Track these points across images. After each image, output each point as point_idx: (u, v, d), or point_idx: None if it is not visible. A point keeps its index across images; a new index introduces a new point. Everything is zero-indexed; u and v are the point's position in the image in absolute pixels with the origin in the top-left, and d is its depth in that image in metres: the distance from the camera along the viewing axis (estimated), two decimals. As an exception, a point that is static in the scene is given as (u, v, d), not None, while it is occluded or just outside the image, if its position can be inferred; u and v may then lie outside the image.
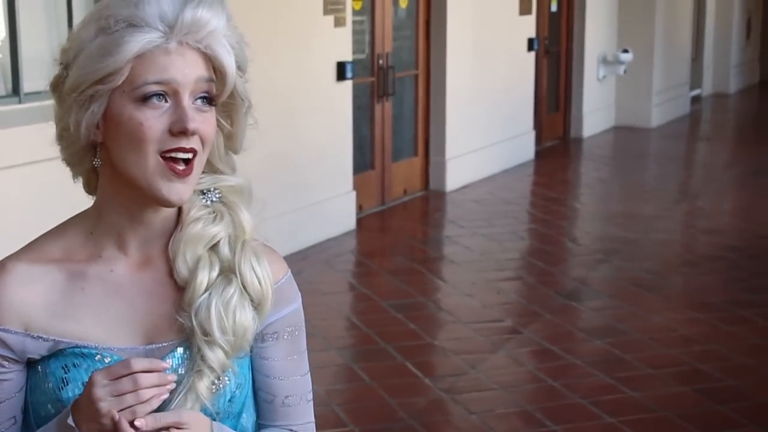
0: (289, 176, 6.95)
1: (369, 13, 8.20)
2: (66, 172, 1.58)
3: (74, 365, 1.49)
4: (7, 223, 4.66)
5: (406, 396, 4.62)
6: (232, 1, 1.68)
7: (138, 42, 1.42)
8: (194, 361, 1.50)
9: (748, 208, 8.96)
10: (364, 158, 8.22)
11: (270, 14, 6.64)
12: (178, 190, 1.46)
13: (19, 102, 5.02)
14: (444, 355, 5.19)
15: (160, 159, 1.45)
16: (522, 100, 10.62)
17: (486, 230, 7.75)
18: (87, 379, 1.46)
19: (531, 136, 10.92)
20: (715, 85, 17.24)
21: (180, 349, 1.52)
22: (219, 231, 1.54)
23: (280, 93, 6.72)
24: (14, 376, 1.52)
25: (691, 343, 5.32)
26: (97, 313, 1.52)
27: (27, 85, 5.04)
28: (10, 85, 5.07)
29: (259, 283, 1.54)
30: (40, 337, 1.50)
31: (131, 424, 1.40)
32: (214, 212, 1.55)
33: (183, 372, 1.50)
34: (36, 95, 4.90)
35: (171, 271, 1.53)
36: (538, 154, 11.06)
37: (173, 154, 1.45)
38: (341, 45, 7.45)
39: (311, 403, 1.69)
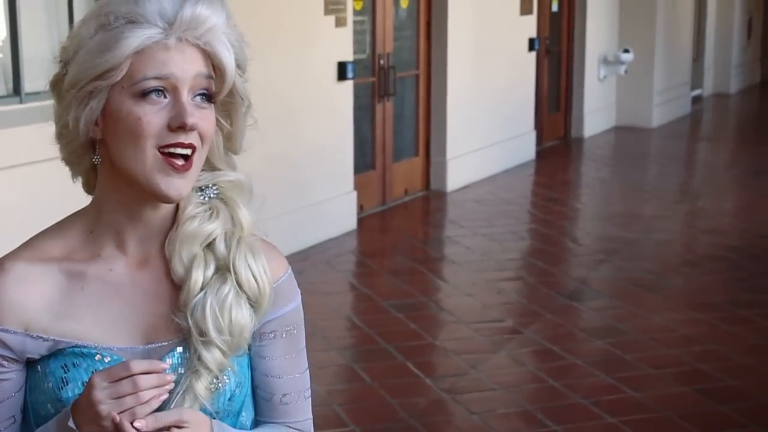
0: (290, 176, 6.95)
1: (370, 13, 8.20)
2: (67, 172, 1.58)
3: (74, 365, 1.49)
4: (7, 222, 4.66)
5: (407, 396, 4.62)
6: (233, 0, 1.68)
7: (137, 38, 1.42)
8: (192, 361, 1.50)
9: (748, 208, 8.96)
10: (364, 158, 8.22)
11: (271, 14, 6.64)
12: (177, 185, 1.46)
13: (20, 102, 5.02)
14: (445, 355, 5.19)
15: (159, 154, 1.45)
16: (523, 100, 10.62)
17: (487, 230, 7.75)
18: (87, 379, 1.46)
19: (532, 136, 10.92)
20: (716, 86, 17.24)
21: (179, 349, 1.52)
22: (215, 228, 1.54)
23: (281, 93, 6.72)
24: (14, 375, 1.52)
25: (691, 343, 5.32)
26: (97, 312, 1.52)
27: (28, 85, 5.04)
28: (11, 85, 5.07)
29: (255, 280, 1.53)
30: (40, 337, 1.50)
31: (131, 425, 1.40)
32: (210, 209, 1.55)
33: (183, 371, 1.50)
34: (37, 95, 4.90)
35: (169, 270, 1.53)
36: (539, 154, 11.06)
37: (172, 150, 1.45)
38: (342, 45, 7.45)
39: (309, 400, 1.68)
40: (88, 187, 1.58)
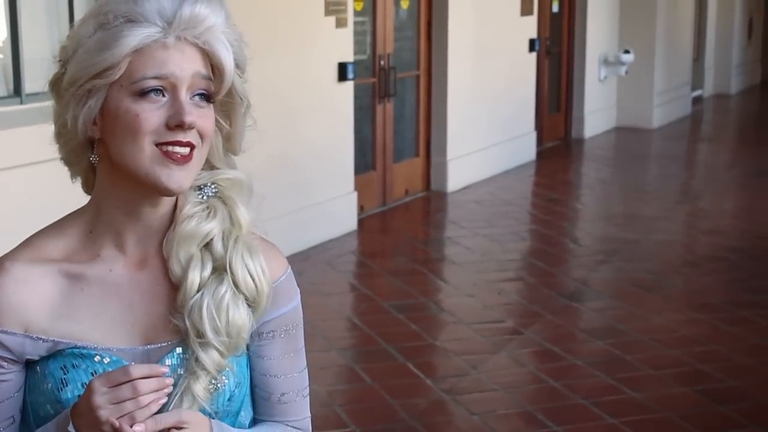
0: (291, 177, 6.95)
1: (370, 14, 8.20)
2: (67, 172, 1.58)
3: (73, 366, 1.49)
4: (8, 223, 4.66)
5: (408, 397, 4.62)
6: (233, 1, 1.68)
7: (136, 36, 1.42)
8: (189, 363, 1.50)
9: (749, 208, 8.96)
10: (365, 159, 8.22)
11: (271, 15, 6.64)
12: (178, 177, 1.46)
13: (21, 103, 5.03)
14: (445, 356, 5.19)
15: (157, 149, 1.45)
16: (523, 100, 10.62)
17: (487, 231, 7.75)
18: (86, 380, 1.46)
19: (532, 136, 10.92)
20: (717, 86, 17.24)
21: (179, 350, 1.52)
22: (213, 228, 1.53)
23: (282, 94, 6.72)
24: (13, 376, 1.52)
25: (692, 344, 5.32)
26: (96, 313, 1.52)
27: (28, 85, 5.04)
28: (11, 86, 5.08)
29: (252, 279, 1.53)
30: (40, 338, 1.50)
31: (131, 428, 1.40)
32: (208, 208, 1.54)
33: (183, 372, 1.50)
34: (37, 96, 4.90)
35: (167, 271, 1.53)
36: (540, 154, 11.06)
37: (170, 148, 1.45)
38: (342, 46, 7.45)
39: (307, 398, 1.68)
40: (87, 187, 1.58)
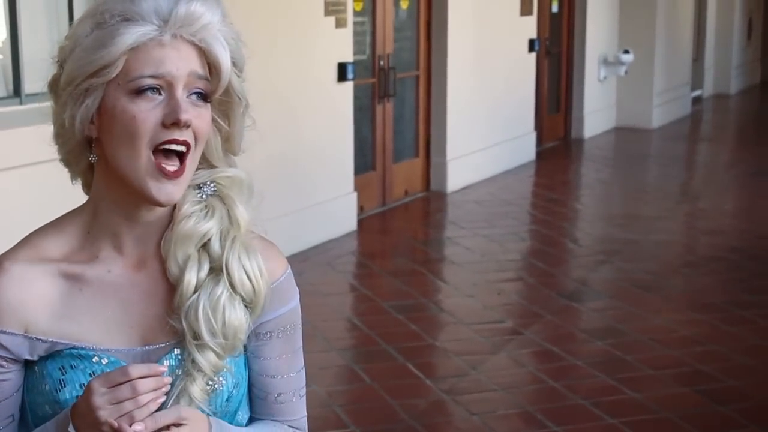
0: (290, 177, 6.95)
1: (370, 14, 8.20)
2: (66, 173, 1.58)
3: (71, 367, 1.49)
4: (7, 224, 4.66)
5: (407, 397, 4.62)
6: (233, 1, 1.68)
7: (132, 34, 1.43)
8: (186, 364, 1.49)
9: (748, 208, 8.96)
10: (365, 159, 8.22)
11: (271, 15, 6.64)
12: (168, 191, 1.46)
13: (20, 103, 5.03)
14: (445, 356, 5.19)
15: (152, 158, 1.45)
16: (523, 101, 10.62)
17: (487, 231, 7.75)
18: (84, 381, 1.46)
19: (532, 137, 10.92)
20: (716, 86, 17.24)
21: (177, 351, 1.52)
22: (210, 228, 1.53)
23: (281, 94, 6.72)
24: (12, 376, 1.52)
25: (691, 344, 5.32)
26: (95, 314, 1.52)
27: (28, 86, 5.04)
28: (11, 87, 5.08)
29: (249, 280, 1.52)
30: (39, 339, 1.50)
31: (130, 428, 1.40)
32: (207, 207, 1.54)
33: (181, 373, 1.50)
34: (37, 96, 4.90)
35: (166, 271, 1.53)
36: (539, 155, 11.06)
37: (166, 146, 1.45)
38: (342, 46, 7.45)
39: (304, 398, 1.68)
40: (87, 188, 1.57)
